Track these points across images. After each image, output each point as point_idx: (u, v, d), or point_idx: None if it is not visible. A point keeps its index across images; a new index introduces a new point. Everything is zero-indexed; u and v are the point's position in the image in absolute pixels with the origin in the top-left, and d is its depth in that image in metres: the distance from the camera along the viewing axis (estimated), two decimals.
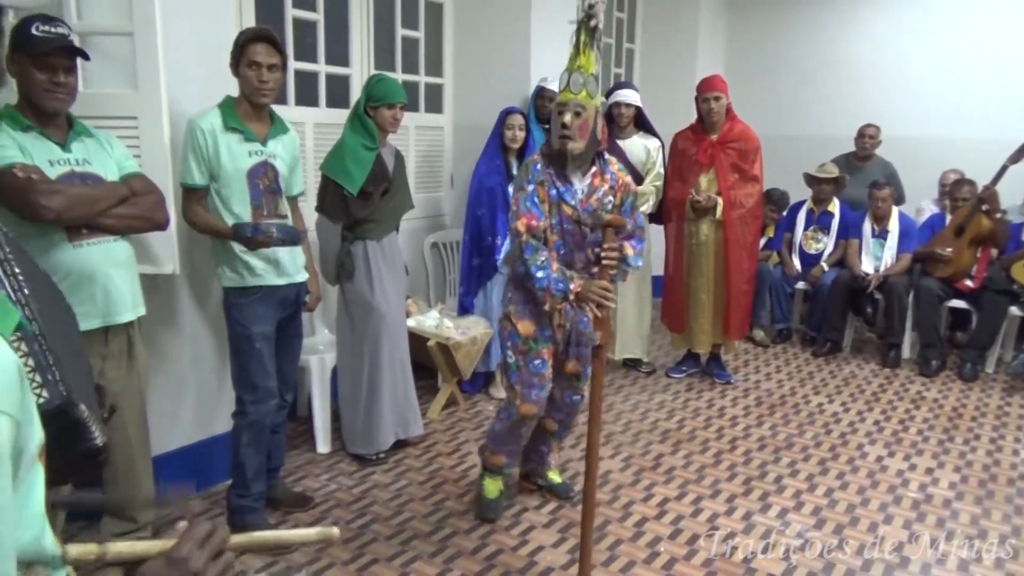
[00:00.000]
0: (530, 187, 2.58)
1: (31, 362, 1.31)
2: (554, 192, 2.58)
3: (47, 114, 2.16)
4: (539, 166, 2.61)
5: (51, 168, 2.12)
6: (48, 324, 1.37)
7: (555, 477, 3.14)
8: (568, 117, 2.49)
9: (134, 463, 2.50)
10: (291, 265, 2.74)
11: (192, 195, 2.60)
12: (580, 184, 2.61)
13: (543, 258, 2.54)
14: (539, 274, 2.53)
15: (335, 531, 1.14)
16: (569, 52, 2.49)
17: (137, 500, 1.19)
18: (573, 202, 2.59)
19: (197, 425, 3.06)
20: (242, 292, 2.64)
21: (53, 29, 2.06)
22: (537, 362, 2.74)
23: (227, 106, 2.61)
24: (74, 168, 2.18)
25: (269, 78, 2.55)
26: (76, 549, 0.97)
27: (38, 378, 1.33)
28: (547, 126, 4.22)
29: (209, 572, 0.91)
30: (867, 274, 5.09)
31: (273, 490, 2.96)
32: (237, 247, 2.60)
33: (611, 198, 2.63)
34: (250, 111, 2.62)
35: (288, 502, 2.97)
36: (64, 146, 2.18)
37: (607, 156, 2.69)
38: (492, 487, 2.97)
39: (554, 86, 4.06)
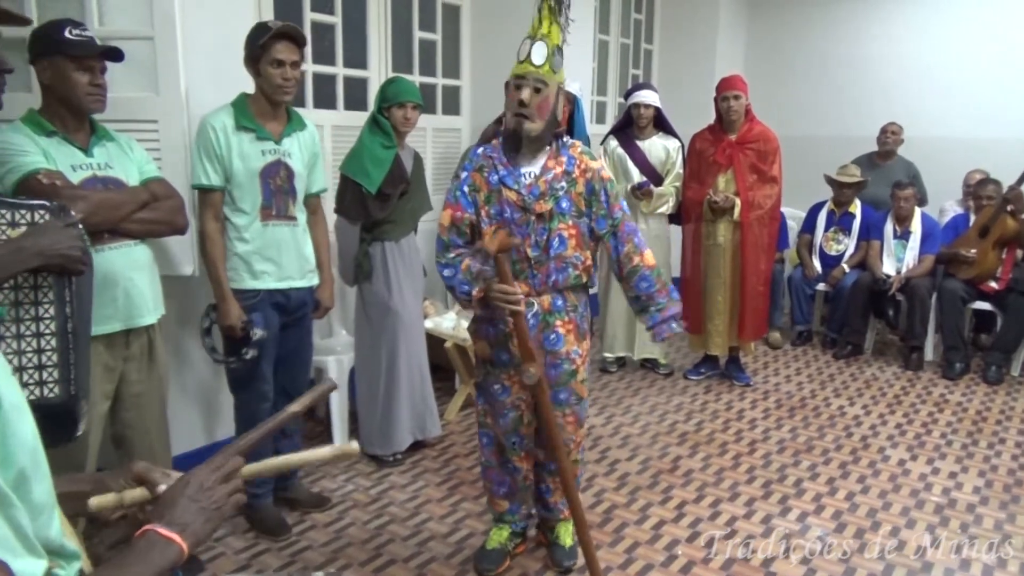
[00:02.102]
0: (463, 174, 2.34)
1: (55, 358, 1.35)
2: (494, 178, 2.29)
3: (82, 117, 2.19)
4: (479, 151, 2.36)
5: (74, 173, 2.14)
6: (83, 325, 1.41)
7: (563, 536, 2.64)
8: (526, 93, 2.17)
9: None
10: (296, 269, 2.70)
11: (206, 199, 2.56)
12: (529, 167, 2.29)
13: (452, 255, 2.32)
14: (446, 272, 2.32)
15: (354, 445, 1.16)
16: (533, 19, 2.21)
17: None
18: (516, 186, 2.27)
19: (218, 425, 3.09)
20: (241, 294, 2.61)
21: (84, 33, 2.11)
22: (496, 387, 2.44)
23: (240, 104, 2.58)
24: (96, 172, 2.21)
25: (292, 76, 2.53)
26: (96, 500, 1.06)
27: (55, 375, 1.36)
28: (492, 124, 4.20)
29: (219, 491, 1.02)
30: (888, 276, 5.04)
31: (291, 491, 2.98)
32: (240, 247, 2.59)
33: (564, 184, 2.28)
34: (267, 109, 2.59)
35: (305, 503, 2.98)
36: (87, 151, 2.21)
37: (568, 139, 2.37)
38: (495, 537, 2.64)
39: (572, 88, 4.05)
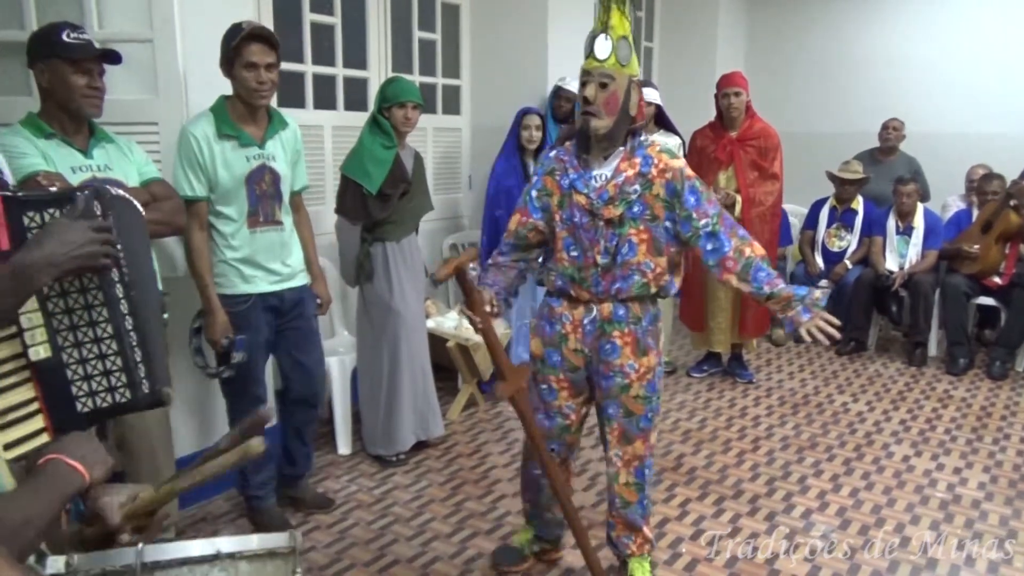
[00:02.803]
0: (535, 178, 2.28)
1: (119, 362, 1.32)
2: (565, 182, 2.19)
3: (77, 120, 2.18)
4: (552, 153, 2.28)
5: (73, 175, 2.14)
6: (145, 315, 1.37)
7: (636, 573, 2.44)
8: (591, 89, 2.06)
9: (157, 466, 2.52)
10: (284, 268, 2.68)
11: (190, 209, 2.48)
12: (601, 169, 2.16)
13: (490, 262, 2.35)
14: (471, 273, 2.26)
15: (255, 443, 1.17)
16: (596, 12, 2.09)
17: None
18: (586, 190, 2.15)
19: (215, 428, 3.08)
20: (233, 299, 2.59)
21: (82, 36, 2.11)
22: (544, 387, 2.36)
23: (220, 109, 2.52)
24: (96, 174, 2.21)
25: (267, 78, 2.47)
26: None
27: (123, 379, 1.33)
28: (564, 125, 4.21)
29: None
30: (891, 272, 5.02)
31: (296, 491, 2.99)
32: (228, 254, 2.57)
33: (637, 186, 2.13)
34: (245, 113, 2.53)
35: (310, 503, 2.98)
36: (86, 153, 2.21)
37: (646, 138, 2.21)
38: (519, 536, 2.64)
39: (573, 87, 4.05)
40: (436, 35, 4.49)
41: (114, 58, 2.16)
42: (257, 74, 2.46)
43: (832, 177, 5.34)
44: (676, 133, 4.46)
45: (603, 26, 2.05)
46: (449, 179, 4.70)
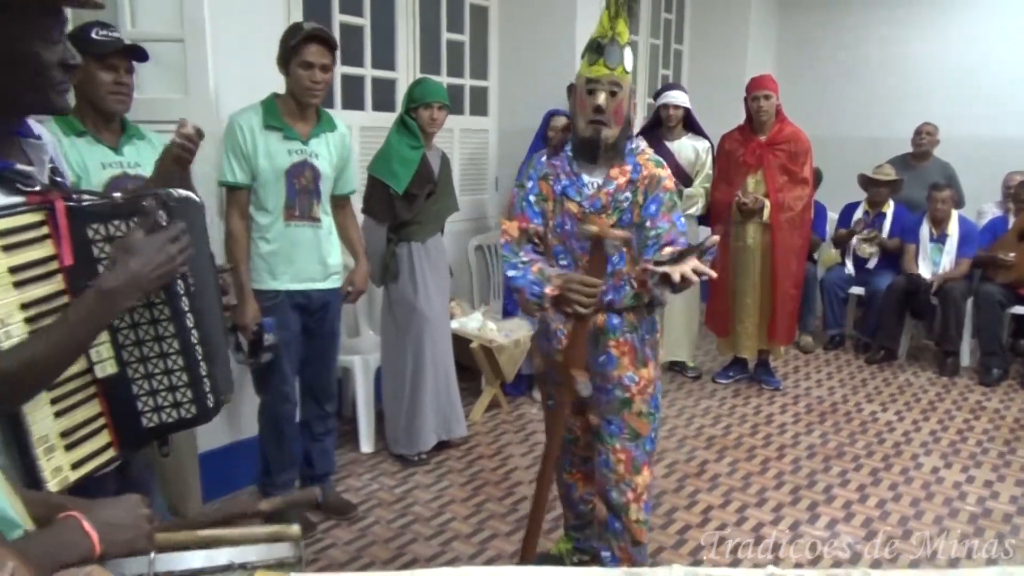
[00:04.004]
0: (530, 183, 2.17)
1: (185, 377, 1.30)
2: (558, 187, 2.13)
3: (107, 116, 2.21)
4: (544, 158, 2.19)
5: (103, 171, 2.18)
6: (210, 326, 1.35)
7: None
8: (602, 98, 1.99)
9: (181, 460, 2.55)
10: (317, 271, 2.70)
11: (232, 196, 2.59)
12: (592, 177, 2.11)
13: (525, 259, 2.10)
14: (511, 272, 2.09)
15: (295, 529, 1.15)
16: (599, 20, 2.04)
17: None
18: (578, 197, 2.10)
19: (241, 423, 3.11)
20: (261, 295, 2.62)
21: (111, 33, 2.15)
22: (550, 403, 2.30)
23: (270, 104, 2.59)
24: (126, 170, 2.25)
25: (321, 79, 2.53)
26: None
27: (188, 394, 1.30)
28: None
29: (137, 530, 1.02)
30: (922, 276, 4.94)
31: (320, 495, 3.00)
32: (263, 247, 2.60)
33: (628, 194, 2.08)
34: (295, 109, 2.59)
35: (332, 508, 2.97)
36: (116, 149, 2.25)
37: (637, 144, 2.16)
38: (562, 545, 2.60)
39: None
40: (464, 36, 4.50)
41: (140, 55, 2.19)
42: (312, 73, 2.52)
43: (864, 179, 5.26)
44: (704, 136, 4.44)
45: (612, 33, 2.00)
46: (475, 180, 4.71)
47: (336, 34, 3.67)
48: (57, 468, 1.17)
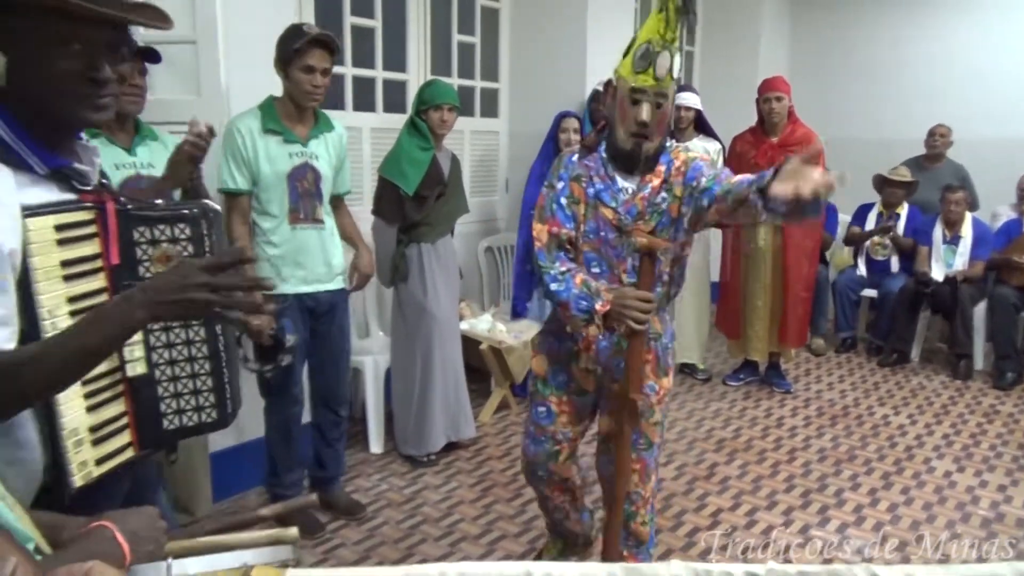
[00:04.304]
0: (560, 184, 2.04)
1: (210, 382, 1.32)
2: (591, 191, 2.01)
3: (120, 118, 2.23)
4: (575, 157, 2.06)
5: (116, 172, 2.20)
6: (230, 341, 1.38)
7: None
8: (646, 111, 1.87)
9: (192, 460, 2.57)
10: (323, 272, 2.71)
11: (233, 203, 2.55)
12: (626, 181, 2.01)
13: (563, 268, 1.98)
14: (553, 286, 1.97)
15: (293, 531, 1.15)
16: (647, 24, 1.86)
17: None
18: (614, 203, 2.00)
19: (248, 424, 3.12)
20: (269, 299, 2.60)
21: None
22: (540, 409, 2.18)
23: (268, 107, 2.58)
24: (139, 171, 2.27)
25: (321, 83, 2.54)
26: None
27: (211, 399, 1.33)
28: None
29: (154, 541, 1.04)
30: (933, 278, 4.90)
31: (329, 495, 3.00)
32: (269, 251, 2.60)
33: (664, 194, 1.98)
34: (293, 112, 2.59)
35: (343, 509, 2.98)
36: (130, 150, 2.27)
37: (671, 142, 2.07)
38: (551, 549, 2.52)
39: None
40: (475, 39, 4.51)
41: (153, 56, 2.21)
42: (313, 77, 2.52)
43: (880, 180, 5.23)
44: (716, 138, 4.42)
45: (665, 40, 1.83)
46: (486, 182, 4.72)
47: (347, 36, 3.70)
48: (83, 462, 1.19)
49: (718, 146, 4.40)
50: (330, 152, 2.70)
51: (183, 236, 1.27)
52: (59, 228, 1.14)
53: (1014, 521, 3.01)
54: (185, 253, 1.28)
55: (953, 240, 4.98)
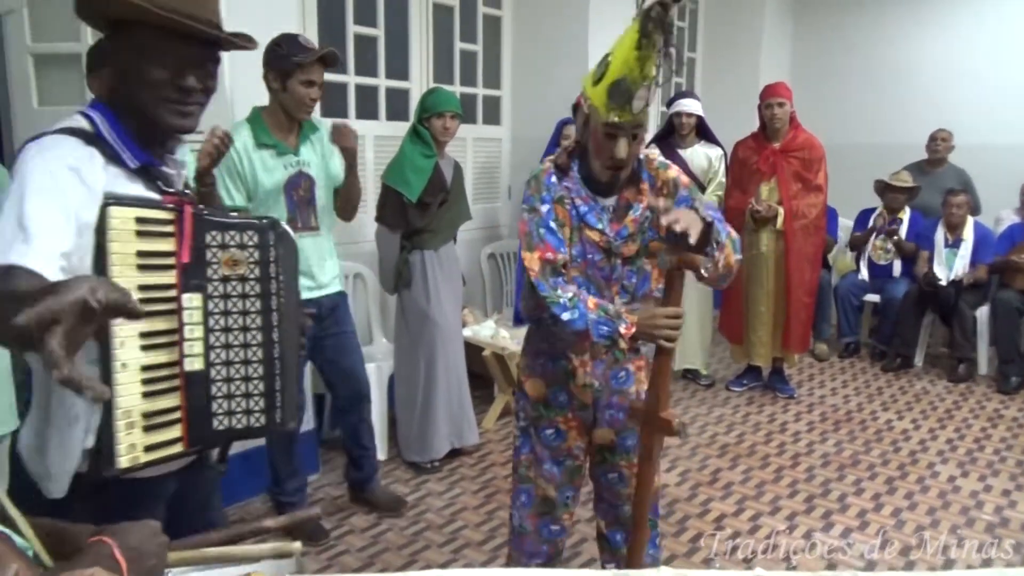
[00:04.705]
0: (544, 207, 1.92)
1: (261, 386, 1.35)
2: (574, 213, 1.93)
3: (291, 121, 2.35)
4: (553, 178, 1.94)
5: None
6: (291, 349, 1.40)
7: None
8: (623, 146, 1.80)
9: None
10: (321, 275, 2.73)
11: None
12: (607, 200, 1.95)
13: (569, 294, 1.85)
14: (565, 316, 1.82)
15: (296, 545, 1.16)
16: (621, 53, 1.74)
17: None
18: (600, 225, 1.92)
19: None
20: None
21: None
22: (549, 432, 2.09)
23: (256, 120, 2.58)
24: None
25: (317, 96, 2.56)
26: None
27: (262, 403, 1.35)
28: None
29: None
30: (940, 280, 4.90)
31: (368, 494, 3.05)
32: None
33: (651, 213, 1.94)
34: (284, 122, 2.60)
35: (383, 506, 3.02)
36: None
37: (643, 155, 1.98)
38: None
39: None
40: (477, 46, 4.54)
41: None
42: (312, 91, 2.55)
43: (881, 185, 5.24)
44: (717, 144, 4.44)
45: (642, 76, 1.72)
46: (488, 189, 4.74)
47: (350, 45, 3.73)
48: (132, 445, 1.21)
49: (720, 152, 4.42)
50: (317, 154, 2.71)
51: (251, 243, 1.35)
52: (139, 220, 1.24)
53: (1019, 525, 3.01)
54: (251, 260, 1.35)
55: (955, 243, 4.98)
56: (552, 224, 1.92)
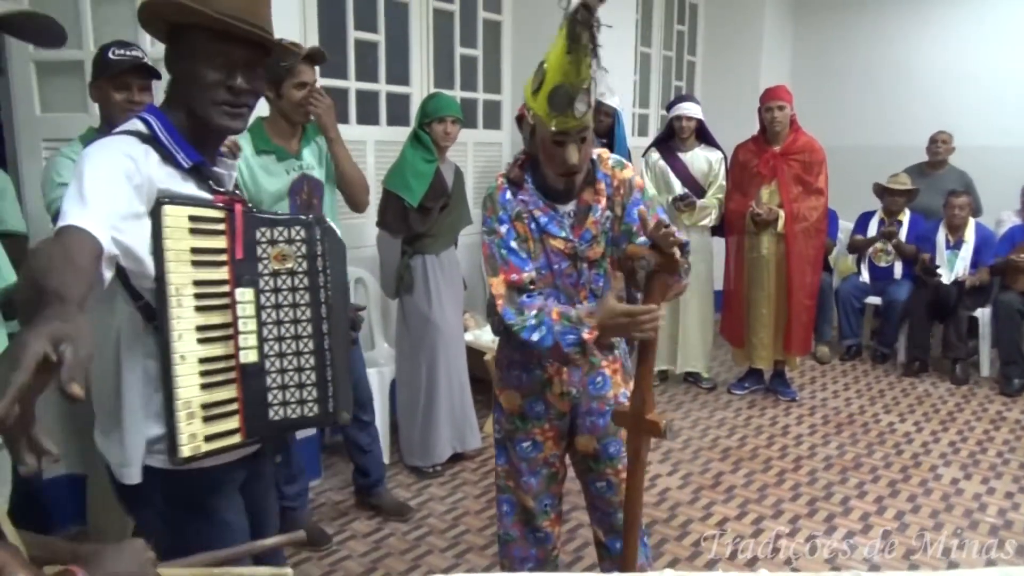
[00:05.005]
0: (503, 227, 1.90)
1: (313, 377, 1.39)
2: (534, 226, 1.90)
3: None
4: (507, 194, 1.92)
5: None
6: (340, 340, 1.45)
7: None
8: (573, 151, 1.78)
9: None
10: None
11: None
12: (566, 206, 1.93)
13: (534, 312, 1.83)
14: (535, 336, 1.81)
15: (288, 572, 1.19)
16: (554, 60, 1.74)
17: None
18: (563, 233, 1.90)
19: None
20: None
21: (128, 52, 2.19)
22: (526, 444, 2.05)
23: (256, 129, 2.58)
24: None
25: (312, 96, 2.57)
26: None
27: (314, 393, 1.39)
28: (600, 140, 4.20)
29: None
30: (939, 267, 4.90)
31: (375, 499, 3.06)
32: None
33: (608, 211, 1.92)
34: (285, 129, 2.61)
35: (389, 511, 3.03)
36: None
37: (596, 155, 1.95)
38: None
39: (612, 101, 4.06)
40: (478, 51, 4.54)
41: (150, 72, 2.23)
42: (308, 92, 2.56)
43: (880, 188, 5.25)
44: (718, 147, 4.44)
45: (579, 80, 1.71)
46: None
47: (351, 50, 3.74)
48: (193, 435, 1.26)
49: (720, 155, 4.43)
50: (316, 156, 2.71)
51: (298, 238, 1.40)
52: (192, 219, 1.29)
53: (1022, 527, 3.00)
54: (299, 254, 1.40)
55: (956, 245, 4.98)
56: (513, 244, 1.89)
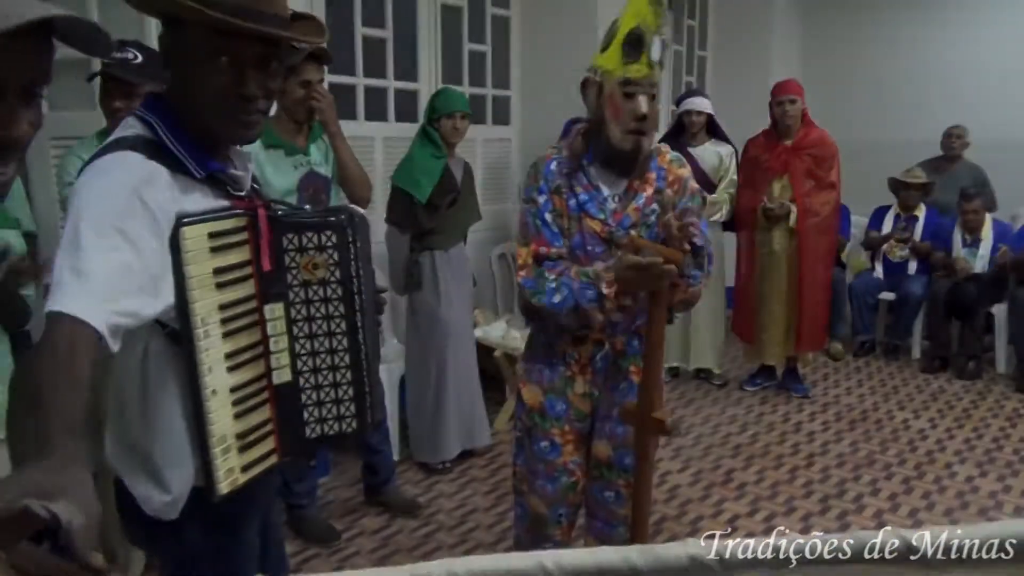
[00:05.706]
0: (542, 198, 1.84)
1: (351, 391, 1.30)
2: (573, 202, 1.84)
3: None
4: (553, 165, 1.86)
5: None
6: (374, 350, 1.36)
7: None
8: (644, 102, 1.72)
9: None
10: None
11: None
12: (612, 189, 1.85)
13: (554, 275, 1.78)
14: (556, 299, 1.76)
15: None
16: (632, 8, 1.71)
17: None
18: (602, 214, 1.83)
19: None
20: None
21: (126, 54, 2.18)
22: (544, 444, 1.96)
23: (265, 127, 2.58)
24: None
25: (316, 94, 2.55)
26: None
27: (352, 408, 1.31)
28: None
29: None
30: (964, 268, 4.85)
31: (384, 496, 3.06)
32: None
33: (655, 206, 1.84)
34: (291, 127, 2.60)
35: (398, 509, 3.03)
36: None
37: (655, 147, 1.90)
38: None
39: None
40: (486, 47, 4.53)
41: (151, 74, 2.22)
42: (310, 90, 2.54)
43: (895, 182, 5.19)
44: (728, 142, 4.41)
45: (655, 24, 1.67)
46: (498, 189, 4.72)
47: (359, 46, 3.73)
48: (230, 469, 1.19)
49: (730, 150, 4.39)
50: (322, 153, 2.70)
51: (329, 243, 1.26)
52: (212, 236, 1.15)
53: None
54: (331, 261, 1.26)
55: (973, 243, 4.92)
56: (548, 216, 1.84)
